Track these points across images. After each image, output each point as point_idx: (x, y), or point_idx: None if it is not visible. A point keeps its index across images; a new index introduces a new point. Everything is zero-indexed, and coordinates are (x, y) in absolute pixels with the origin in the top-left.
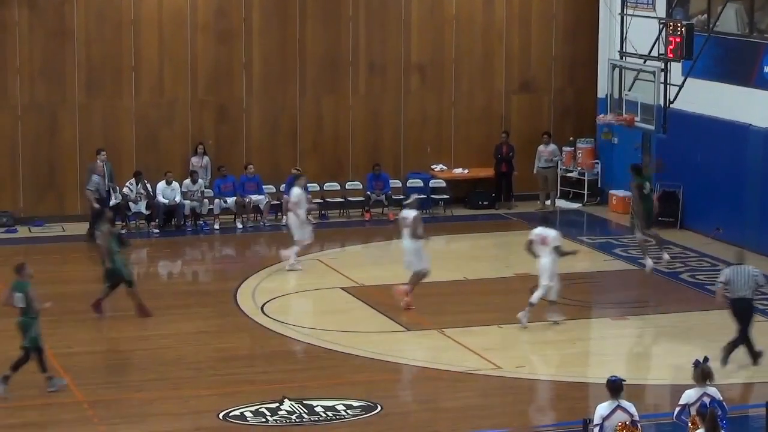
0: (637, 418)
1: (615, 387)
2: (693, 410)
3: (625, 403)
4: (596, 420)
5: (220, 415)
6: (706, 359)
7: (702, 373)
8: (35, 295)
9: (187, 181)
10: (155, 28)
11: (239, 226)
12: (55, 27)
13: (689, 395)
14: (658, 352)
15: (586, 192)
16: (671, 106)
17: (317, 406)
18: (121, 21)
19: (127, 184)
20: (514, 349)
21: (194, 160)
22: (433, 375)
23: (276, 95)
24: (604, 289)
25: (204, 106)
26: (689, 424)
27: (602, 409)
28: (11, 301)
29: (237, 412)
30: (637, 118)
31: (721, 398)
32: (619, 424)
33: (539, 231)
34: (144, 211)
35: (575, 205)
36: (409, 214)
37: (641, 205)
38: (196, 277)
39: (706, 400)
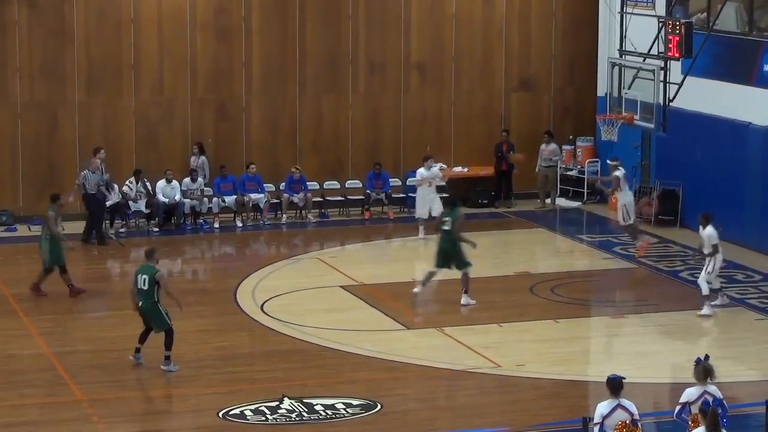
0: (637, 416)
1: (615, 385)
2: (694, 408)
3: (625, 402)
4: (596, 419)
5: (220, 414)
6: (707, 357)
7: (703, 371)
8: (166, 281)
9: (187, 179)
10: (155, 26)
11: (239, 224)
12: (54, 26)
13: (690, 393)
14: (658, 350)
15: (585, 190)
16: (671, 104)
17: (317, 404)
18: (121, 20)
19: (127, 182)
20: (514, 348)
21: (191, 159)
22: (432, 373)
23: (276, 94)
24: (604, 287)
25: (203, 104)
26: (690, 423)
27: (602, 407)
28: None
29: (237, 411)
30: (637, 117)
31: (722, 397)
32: (620, 422)
33: None
34: (144, 209)
35: (575, 204)
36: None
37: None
38: (195, 275)
39: (708, 398)
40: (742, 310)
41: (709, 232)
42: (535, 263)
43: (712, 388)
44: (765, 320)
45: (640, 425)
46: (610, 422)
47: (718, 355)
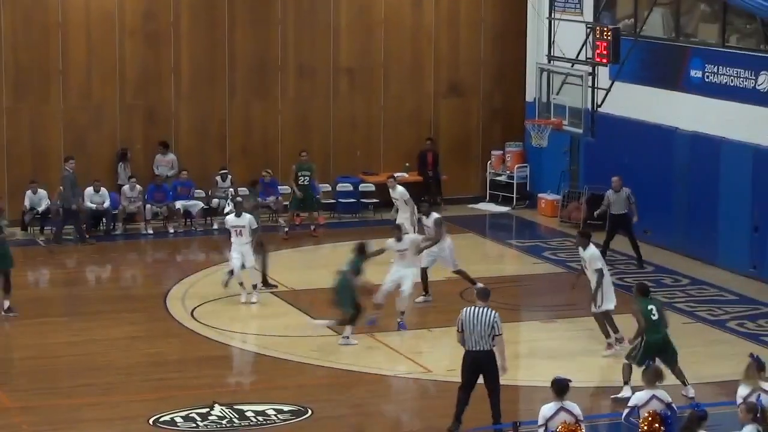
0: (581, 418)
1: (560, 388)
2: (642, 412)
3: (569, 404)
4: (540, 420)
5: (151, 421)
6: (654, 360)
7: (653, 374)
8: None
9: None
10: (83, 31)
11: (171, 231)
12: None
13: (639, 397)
14: (588, 354)
15: (515, 195)
16: (599, 109)
17: (248, 410)
18: (49, 24)
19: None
20: (444, 353)
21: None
22: (364, 379)
23: (205, 99)
24: (533, 292)
25: (132, 109)
26: (640, 425)
27: (546, 409)
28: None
29: (167, 418)
30: (566, 122)
31: (671, 400)
32: (562, 424)
33: None
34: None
35: (504, 209)
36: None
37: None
38: (125, 282)
39: (656, 403)
40: (670, 313)
41: (591, 251)
42: (465, 268)
43: (661, 392)
44: (692, 324)
45: (583, 427)
46: (553, 424)
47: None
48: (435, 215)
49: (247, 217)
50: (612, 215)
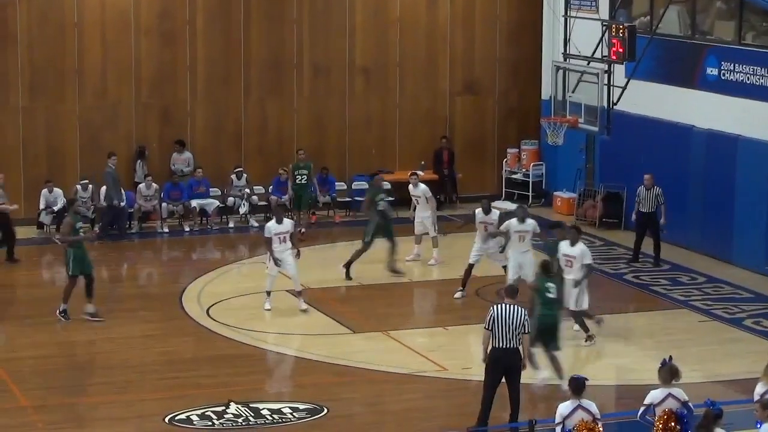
0: (598, 416)
1: (577, 386)
2: (658, 410)
3: (586, 402)
4: (557, 419)
5: (166, 419)
6: (671, 358)
7: (669, 372)
8: None
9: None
10: (98, 30)
11: (186, 229)
12: None
13: (654, 395)
14: (604, 352)
15: (530, 194)
16: (615, 107)
17: (263, 409)
18: (64, 24)
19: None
20: (460, 351)
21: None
22: (378, 377)
23: (220, 98)
24: None
25: (148, 108)
26: (655, 423)
27: (563, 408)
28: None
29: (183, 416)
30: (581, 120)
31: (687, 399)
32: (580, 422)
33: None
34: (89, 215)
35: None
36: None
37: None
38: (141, 280)
39: (672, 401)
40: (686, 312)
41: (582, 248)
42: (480, 266)
43: (677, 390)
44: (708, 322)
45: (600, 425)
46: (570, 422)
47: (660, 357)
48: (496, 211)
49: (288, 223)
50: (641, 213)
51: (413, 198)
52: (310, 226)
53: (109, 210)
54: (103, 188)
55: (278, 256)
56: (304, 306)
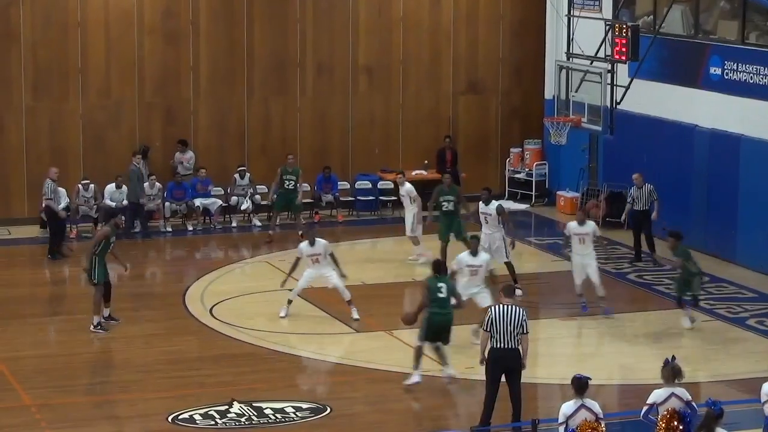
0: (601, 416)
1: (580, 385)
2: (661, 410)
3: (589, 402)
4: (561, 418)
5: (169, 418)
6: (673, 357)
7: (672, 372)
8: None
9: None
10: (102, 29)
11: (189, 228)
12: (0, 29)
13: (658, 394)
14: (607, 352)
15: (534, 193)
16: (618, 107)
17: (266, 408)
18: (68, 23)
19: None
20: (463, 351)
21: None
22: (382, 376)
23: (223, 97)
24: (553, 289)
25: (151, 108)
26: (658, 423)
27: (566, 407)
28: None
29: (186, 415)
30: (584, 120)
31: (690, 398)
32: (583, 422)
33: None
34: (93, 214)
35: (523, 206)
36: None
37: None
38: (144, 279)
39: (675, 400)
40: (697, 313)
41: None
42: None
43: (680, 390)
44: (711, 322)
45: (603, 424)
46: (573, 422)
47: (663, 356)
48: (495, 203)
49: (322, 243)
50: (635, 212)
51: (401, 197)
52: (312, 226)
53: (133, 207)
54: (110, 186)
55: (315, 273)
56: (356, 315)
